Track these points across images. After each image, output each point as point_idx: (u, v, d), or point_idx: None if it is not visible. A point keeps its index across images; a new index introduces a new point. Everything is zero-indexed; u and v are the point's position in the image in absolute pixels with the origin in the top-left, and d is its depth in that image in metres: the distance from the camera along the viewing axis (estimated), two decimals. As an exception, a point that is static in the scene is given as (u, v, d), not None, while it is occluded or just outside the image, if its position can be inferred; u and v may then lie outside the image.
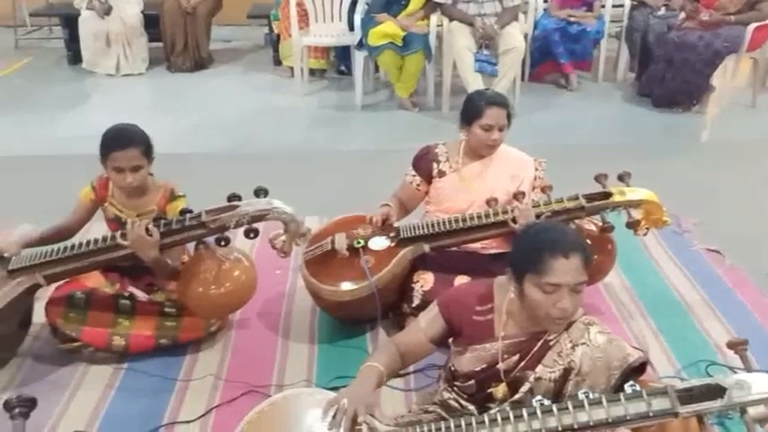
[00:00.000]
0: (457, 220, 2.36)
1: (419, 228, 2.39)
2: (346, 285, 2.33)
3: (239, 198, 2.29)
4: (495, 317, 1.68)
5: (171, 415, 2.10)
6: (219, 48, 6.34)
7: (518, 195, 2.39)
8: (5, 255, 2.26)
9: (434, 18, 4.73)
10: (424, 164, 2.59)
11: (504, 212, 2.31)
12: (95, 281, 2.41)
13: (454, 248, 2.46)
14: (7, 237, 2.45)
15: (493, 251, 2.49)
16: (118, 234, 2.21)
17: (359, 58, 4.84)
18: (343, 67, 5.73)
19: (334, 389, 2.11)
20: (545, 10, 5.32)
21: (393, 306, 2.46)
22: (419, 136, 4.53)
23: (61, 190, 3.63)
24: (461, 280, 2.39)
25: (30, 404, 1.37)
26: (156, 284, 2.48)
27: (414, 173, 2.62)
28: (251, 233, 2.22)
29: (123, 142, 2.26)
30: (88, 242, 2.22)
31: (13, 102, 5.08)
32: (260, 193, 2.30)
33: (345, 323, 2.51)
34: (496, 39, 4.50)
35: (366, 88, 5.06)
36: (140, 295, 2.42)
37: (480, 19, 4.53)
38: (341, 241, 2.42)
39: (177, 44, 5.76)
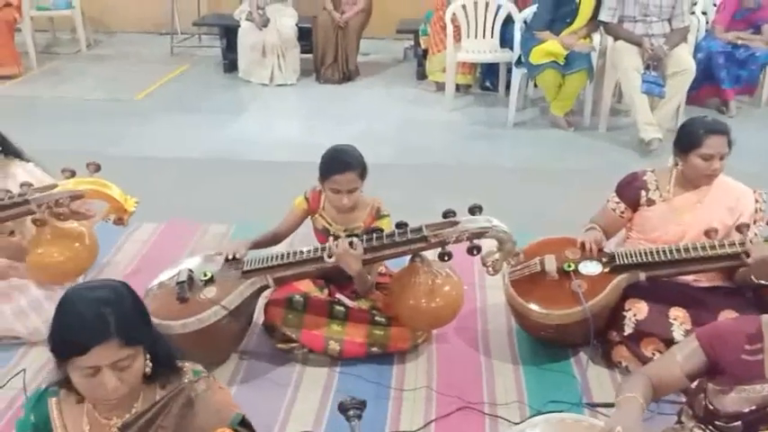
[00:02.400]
0: (679, 250, 2.30)
1: (637, 255, 2.35)
2: (558, 310, 2.32)
3: (454, 214, 2.35)
4: (766, 357, 1.62)
5: (392, 423, 2.16)
6: (359, 61, 6.51)
7: (742, 228, 2.30)
8: (237, 256, 2.41)
9: (597, 37, 4.66)
10: (631, 191, 2.55)
11: (741, 244, 2.23)
12: (306, 286, 2.53)
13: (664, 279, 2.40)
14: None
15: (706, 284, 2.41)
16: (320, 248, 2.31)
17: (516, 75, 4.84)
18: (488, 83, 5.75)
19: (549, 413, 2.13)
20: (707, 32, 5.13)
21: (599, 332, 2.42)
22: (575, 155, 4.50)
23: (228, 191, 3.87)
24: (676, 312, 2.33)
25: (362, 406, 1.45)
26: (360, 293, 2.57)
27: (617, 199, 2.58)
28: (474, 250, 2.27)
29: (343, 166, 2.38)
30: (316, 249, 2.34)
31: (179, 105, 5.41)
32: (475, 210, 2.35)
33: (545, 345, 2.50)
34: (665, 60, 4.37)
35: (516, 105, 5.05)
36: (348, 302, 2.52)
37: (648, 39, 4.42)
38: (551, 263, 2.41)
39: (327, 56, 5.96)
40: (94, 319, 1.30)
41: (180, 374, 1.46)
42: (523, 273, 2.45)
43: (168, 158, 4.35)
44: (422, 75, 5.99)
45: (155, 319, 2.24)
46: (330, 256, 2.24)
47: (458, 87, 5.56)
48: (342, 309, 2.46)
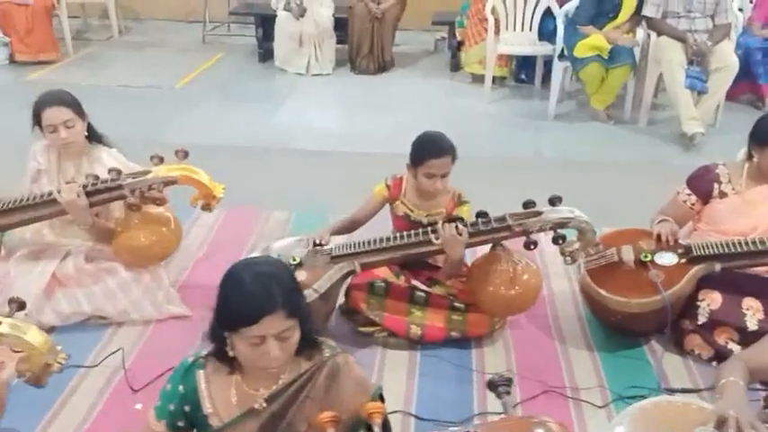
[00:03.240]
0: (755, 242, 2.37)
1: (714, 247, 2.42)
2: (637, 299, 2.39)
3: (534, 204, 2.42)
4: None
5: (479, 404, 2.24)
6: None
7: (815, 222, 2.37)
8: (322, 243, 2.49)
9: (641, 31, 4.71)
10: (704, 184, 2.61)
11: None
12: (383, 272, 2.60)
13: (736, 270, 2.47)
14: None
15: (778, 276, 2.49)
16: (429, 231, 2.39)
17: (558, 68, 4.89)
18: (523, 75, 5.80)
19: (632, 398, 2.22)
20: (744, 28, 5.17)
21: (671, 321, 2.49)
22: (618, 149, 4.56)
23: (280, 179, 3.93)
24: (749, 302, 2.41)
25: (509, 383, 1.52)
26: (435, 278, 2.64)
27: (689, 192, 2.65)
28: (559, 239, 2.34)
29: (440, 151, 2.44)
30: (402, 236, 2.41)
31: (220, 93, 5.45)
32: (555, 201, 2.41)
33: (617, 332, 2.57)
34: (708, 56, 4.43)
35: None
36: (425, 288, 2.59)
37: (691, 35, 4.47)
38: (628, 254, 2.48)
39: (363, 47, 6.00)
40: (263, 292, 1.37)
41: (320, 348, 1.54)
42: (599, 262, 2.52)
43: (217, 146, 4.39)
44: (456, 66, 6.05)
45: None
46: (437, 239, 2.32)
47: (493, 79, 5.61)
48: (422, 294, 2.53)
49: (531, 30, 5.35)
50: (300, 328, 1.46)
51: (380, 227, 2.73)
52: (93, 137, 2.68)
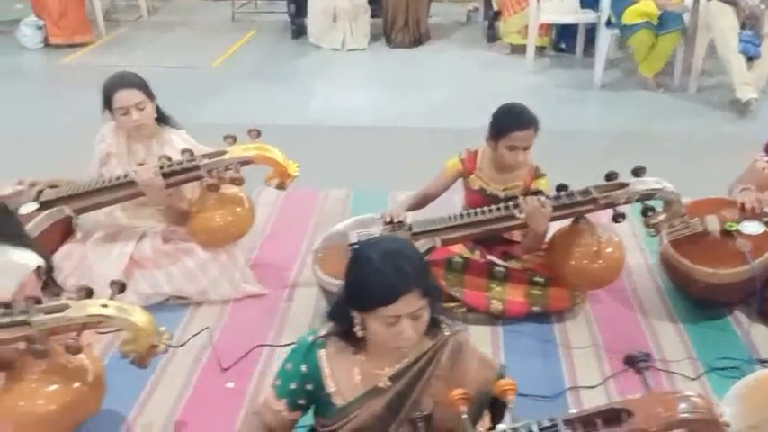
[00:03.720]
0: None
1: (802, 214, 2.38)
2: (725, 269, 2.35)
3: (617, 175, 2.38)
4: None
5: (569, 379, 2.22)
6: (423, 24, 6.45)
7: None
8: (400, 219, 2.46)
9: (690, -3, 4.61)
10: (784, 150, 2.56)
11: None
12: (458, 248, 2.58)
13: (821, 237, 2.43)
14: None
15: None
16: (511, 205, 2.36)
17: (606, 35, 4.80)
18: (562, 44, 5.70)
19: (723, 369, 2.19)
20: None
21: (755, 291, 2.45)
22: (670, 117, 4.48)
23: (329, 156, 3.88)
24: (838, 269, 2.37)
25: (648, 358, 1.50)
26: (510, 253, 2.62)
27: (767, 158, 2.59)
28: (648, 211, 2.31)
29: (525, 123, 2.40)
30: (483, 211, 2.38)
31: (257, 72, 5.40)
32: (639, 171, 2.38)
33: (698, 303, 2.54)
34: (761, 19, 4.32)
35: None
36: (501, 263, 2.57)
37: (743, -1, 4.36)
38: (713, 224, 2.44)
39: (398, 20, 5.93)
40: (398, 271, 1.36)
41: (440, 327, 1.53)
42: (683, 233, 2.48)
43: (259, 126, 4.33)
44: (492, 37, 5.95)
45: (333, 280, 2.34)
46: (521, 213, 2.29)
47: (533, 49, 5.52)
48: (501, 269, 2.51)
49: (571, -2, 5.24)
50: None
51: (445, 203, 2.72)
52: (162, 118, 2.66)
